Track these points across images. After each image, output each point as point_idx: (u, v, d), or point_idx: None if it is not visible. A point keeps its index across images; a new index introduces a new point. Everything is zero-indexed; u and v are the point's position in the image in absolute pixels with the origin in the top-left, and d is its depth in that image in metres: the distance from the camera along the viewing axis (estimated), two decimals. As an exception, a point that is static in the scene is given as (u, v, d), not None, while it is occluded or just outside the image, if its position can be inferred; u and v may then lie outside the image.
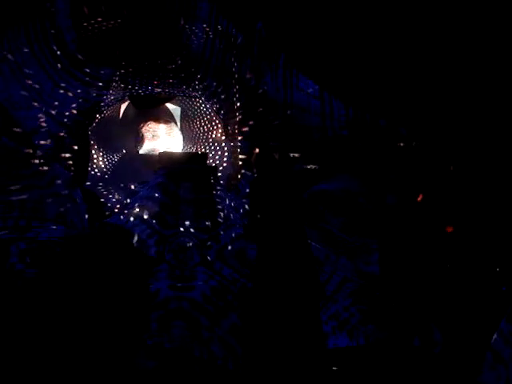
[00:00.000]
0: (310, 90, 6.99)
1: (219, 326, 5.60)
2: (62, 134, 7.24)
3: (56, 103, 7.29)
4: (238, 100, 7.47)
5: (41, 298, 5.01)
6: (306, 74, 6.99)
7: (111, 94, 8.18)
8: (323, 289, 5.92)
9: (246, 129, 7.33)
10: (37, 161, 6.83)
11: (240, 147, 7.45)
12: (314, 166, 6.83)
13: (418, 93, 6.52)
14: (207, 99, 8.39)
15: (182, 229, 6.25)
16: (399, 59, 6.57)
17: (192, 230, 6.26)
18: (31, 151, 6.85)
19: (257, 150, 6.65)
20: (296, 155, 6.74)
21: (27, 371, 4.54)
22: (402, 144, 6.68)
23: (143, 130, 9.55)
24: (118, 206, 7.29)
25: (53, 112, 7.23)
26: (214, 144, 8.61)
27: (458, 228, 5.96)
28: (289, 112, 7.01)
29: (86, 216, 6.85)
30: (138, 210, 6.47)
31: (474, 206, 5.99)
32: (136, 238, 6.17)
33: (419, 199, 6.14)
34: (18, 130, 6.88)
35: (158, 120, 9.57)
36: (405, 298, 5.81)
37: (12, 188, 6.39)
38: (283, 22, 6.80)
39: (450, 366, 5.12)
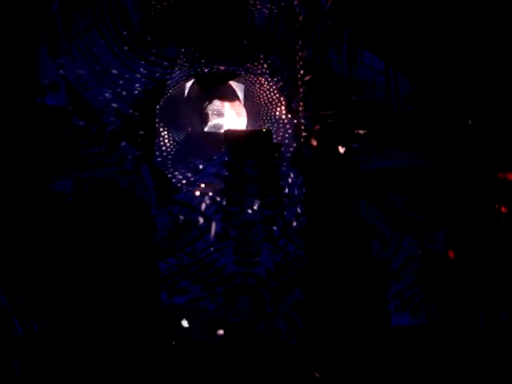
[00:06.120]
0: (375, 66, 6.89)
1: (283, 301, 5.67)
2: (129, 113, 7.40)
3: (123, 83, 7.45)
4: (301, 77, 7.44)
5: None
6: (370, 50, 6.89)
7: (176, 73, 8.29)
8: (388, 267, 5.89)
9: (309, 106, 7.30)
10: (106, 139, 7.02)
11: (304, 124, 7.44)
12: (378, 143, 6.76)
13: (486, 69, 6.32)
14: (271, 76, 8.39)
15: (247, 205, 6.33)
16: (465, 33, 6.38)
17: (257, 206, 6.33)
18: (100, 130, 7.05)
19: (317, 127, 6.63)
20: (361, 132, 6.69)
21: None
22: (469, 121, 6.51)
23: (208, 107, 9.66)
24: (185, 182, 7.42)
25: (120, 91, 7.40)
26: (278, 121, 8.62)
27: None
28: (353, 88, 6.94)
29: (154, 192, 7.02)
30: (203, 186, 6.60)
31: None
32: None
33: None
34: (87, 109, 7.08)
35: (222, 98, 9.65)
36: (470, 277, 5.72)
37: (83, 166, 6.61)
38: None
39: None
